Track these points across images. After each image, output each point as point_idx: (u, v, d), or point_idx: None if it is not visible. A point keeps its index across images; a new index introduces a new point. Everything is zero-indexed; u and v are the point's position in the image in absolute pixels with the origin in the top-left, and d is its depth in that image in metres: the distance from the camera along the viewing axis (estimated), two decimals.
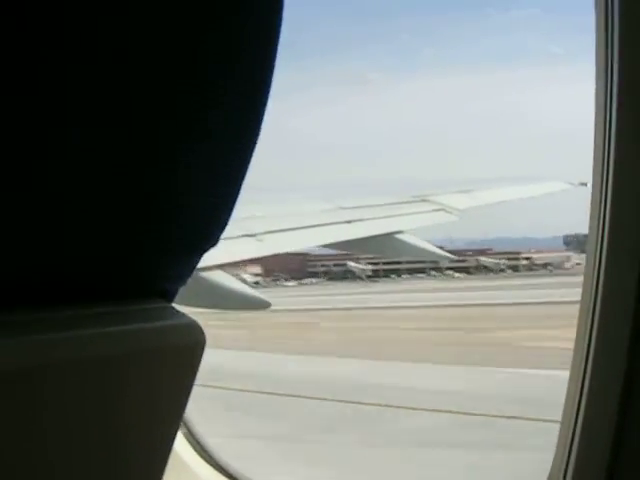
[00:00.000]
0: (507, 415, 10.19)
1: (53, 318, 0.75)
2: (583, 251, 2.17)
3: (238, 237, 4.68)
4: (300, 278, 27.09)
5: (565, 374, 1.75)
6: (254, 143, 0.80)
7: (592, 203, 1.66)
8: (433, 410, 10.79)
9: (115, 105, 0.71)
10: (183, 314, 0.86)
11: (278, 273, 27.13)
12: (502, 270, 23.87)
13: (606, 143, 1.57)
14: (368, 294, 22.45)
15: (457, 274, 24.14)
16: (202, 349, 0.86)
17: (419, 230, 5.61)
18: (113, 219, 0.76)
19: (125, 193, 0.75)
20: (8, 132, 0.66)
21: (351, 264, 24.91)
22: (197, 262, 0.88)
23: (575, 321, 1.73)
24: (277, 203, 5.97)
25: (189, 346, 0.85)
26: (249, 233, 4.75)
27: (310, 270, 27.05)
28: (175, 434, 0.91)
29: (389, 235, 5.28)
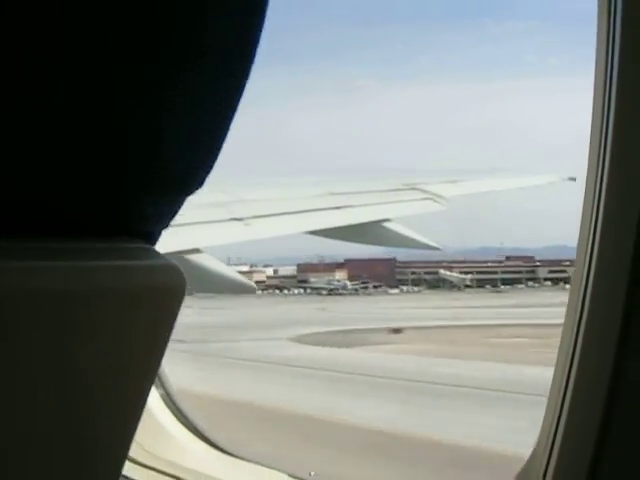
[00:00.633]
0: None
1: (35, 247, 0.75)
2: None
3: (225, 220, 4.65)
4: (388, 285, 26.67)
5: None
6: (242, 87, 0.80)
7: (584, 205, 1.65)
8: None
9: (102, 40, 0.70)
10: (163, 256, 0.86)
11: (365, 279, 26.77)
12: None
13: (602, 142, 1.55)
14: (503, 307, 21.79)
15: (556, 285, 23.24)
16: (182, 293, 0.86)
17: (410, 219, 5.60)
18: (96, 155, 0.76)
19: (108, 130, 0.75)
20: None
21: (443, 272, 24.44)
22: (180, 205, 0.87)
23: None
24: (268, 187, 5.94)
25: (169, 288, 0.85)
26: (236, 217, 4.72)
27: (398, 277, 26.55)
28: (150, 384, 0.90)
29: (377, 223, 5.27)
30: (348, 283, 28.07)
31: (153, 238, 0.88)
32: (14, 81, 0.68)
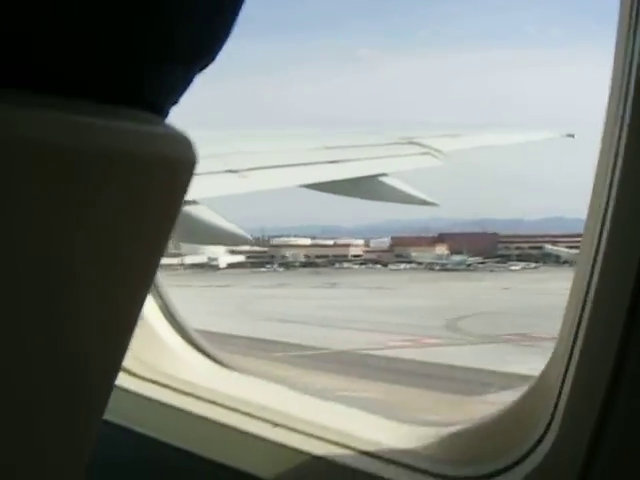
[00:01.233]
0: None
1: (51, 102, 0.72)
2: None
3: (220, 172, 4.61)
4: (490, 258, 26.11)
5: None
6: None
7: (591, 203, 1.63)
8: None
9: None
10: (174, 127, 0.83)
11: (466, 253, 26.28)
12: None
13: (616, 136, 1.50)
14: None
15: None
16: (193, 166, 0.83)
17: (406, 173, 5.56)
18: (111, 19, 0.72)
19: None
20: None
21: (550, 247, 23.83)
22: (190, 80, 0.84)
23: None
24: (267, 139, 5.87)
25: (179, 159, 0.82)
26: (232, 169, 4.68)
27: (500, 253, 25.95)
28: (157, 263, 0.86)
29: (373, 178, 5.22)
30: (465, 258, 27.24)
31: (164, 111, 0.85)
32: None
